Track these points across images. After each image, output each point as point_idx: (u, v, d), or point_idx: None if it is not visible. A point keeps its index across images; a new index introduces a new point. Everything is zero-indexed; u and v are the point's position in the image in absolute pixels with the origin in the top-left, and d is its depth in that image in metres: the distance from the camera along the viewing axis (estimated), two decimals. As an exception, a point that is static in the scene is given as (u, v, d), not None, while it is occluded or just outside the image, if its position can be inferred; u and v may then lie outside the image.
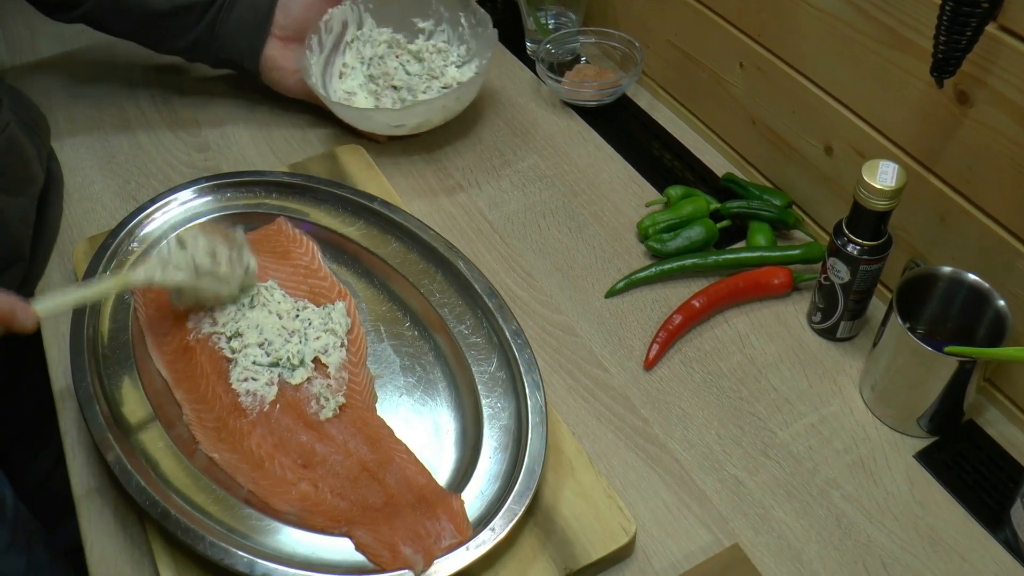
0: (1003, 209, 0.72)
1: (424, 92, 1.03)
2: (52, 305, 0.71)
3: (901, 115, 0.78)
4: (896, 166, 0.72)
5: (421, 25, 1.10)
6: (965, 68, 0.68)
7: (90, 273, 0.84)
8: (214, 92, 1.13)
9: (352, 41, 1.08)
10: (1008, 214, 0.72)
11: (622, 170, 1.01)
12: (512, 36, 1.19)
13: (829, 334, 0.84)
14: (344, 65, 1.06)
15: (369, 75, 1.05)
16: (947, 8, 0.64)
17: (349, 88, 1.04)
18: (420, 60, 1.06)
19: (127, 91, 1.15)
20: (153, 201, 0.90)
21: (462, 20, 1.08)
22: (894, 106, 0.78)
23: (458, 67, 1.06)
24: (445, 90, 1.02)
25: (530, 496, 0.66)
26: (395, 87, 1.03)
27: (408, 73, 1.04)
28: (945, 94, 0.72)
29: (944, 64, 0.67)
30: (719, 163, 1.02)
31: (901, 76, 0.76)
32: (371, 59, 1.06)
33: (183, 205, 0.91)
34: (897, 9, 0.73)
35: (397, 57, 1.06)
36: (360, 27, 1.08)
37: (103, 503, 0.74)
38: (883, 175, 0.72)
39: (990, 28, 0.66)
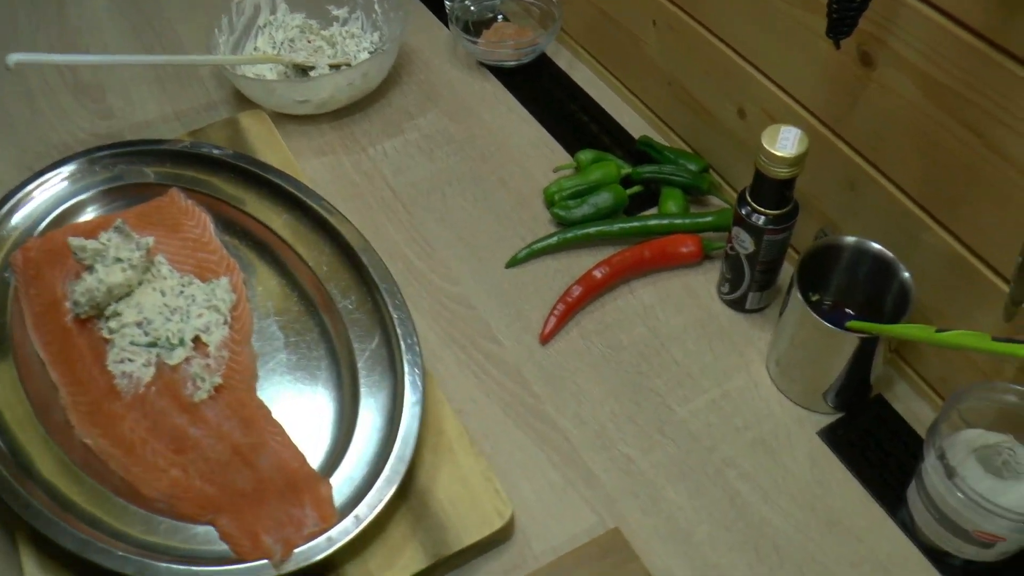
0: (908, 178, 0.67)
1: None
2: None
3: (809, 78, 0.72)
4: (798, 132, 0.67)
5: (335, 13, 1.04)
6: (866, 28, 0.63)
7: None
8: (120, 53, 1.07)
9: (264, 26, 1.02)
10: (913, 183, 0.67)
11: (535, 133, 0.95)
12: (434, -6, 1.12)
13: (738, 305, 0.79)
14: (255, 49, 1.00)
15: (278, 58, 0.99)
16: (837, -38, 0.58)
17: (258, 72, 0.97)
18: (333, 46, 1.00)
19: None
20: (38, 174, 0.84)
21: (375, 7, 1.02)
22: (802, 68, 0.73)
23: (370, 52, 1.00)
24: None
25: (398, 482, 0.62)
26: (304, 70, 0.97)
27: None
28: (849, 56, 0.67)
29: (839, 24, 0.61)
30: (638, 125, 0.96)
31: (809, 37, 0.70)
32: (282, 43, 0.99)
33: (71, 177, 0.85)
34: (798, -36, 0.67)
35: (309, 42, 0.99)
36: (273, 12, 1.03)
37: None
38: (783, 141, 0.67)
39: (887, -15, 0.60)
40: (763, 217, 0.71)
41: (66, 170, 0.85)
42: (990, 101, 0.57)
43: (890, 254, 0.69)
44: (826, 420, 0.72)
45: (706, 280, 0.82)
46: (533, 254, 0.83)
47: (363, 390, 0.68)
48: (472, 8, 1.05)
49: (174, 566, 0.60)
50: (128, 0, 1.16)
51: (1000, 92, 0.56)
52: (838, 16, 0.61)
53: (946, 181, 0.63)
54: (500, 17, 1.06)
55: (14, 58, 0.81)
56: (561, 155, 0.93)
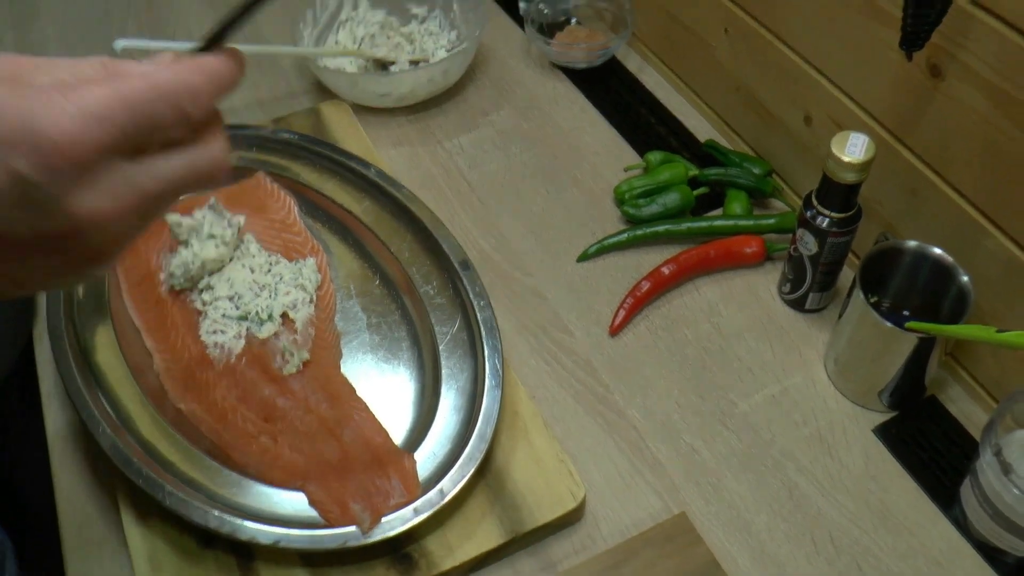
0: (972, 186, 0.71)
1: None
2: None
3: (877, 87, 0.76)
4: (866, 138, 0.71)
5: (415, 11, 1.09)
6: (937, 42, 0.67)
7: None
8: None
9: (346, 21, 1.07)
10: (976, 191, 0.70)
11: (605, 134, 0.99)
12: (507, -6, 1.17)
13: (798, 305, 0.83)
14: (336, 43, 1.06)
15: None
16: (915, -20, 0.62)
17: (339, 63, 1.03)
18: (412, 43, 1.05)
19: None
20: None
21: (454, 6, 1.07)
22: (871, 78, 0.76)
23: (448, 51, 1.05)
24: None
25: (479, 460, 0.66)
26: (383, 65, 1.02)
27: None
28: (918, 67, 0.70)
29: (913, 38, 0.65)
30: (704, 129, 1.00)
31: (878, 47, 0.74)
32: (363, 39, 1.05)
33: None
34: (873, -21, 0.71)
35: (389, 39, 1.05)
36: (355, 8, 1.08)
37: (75, 447, 0.75)
38: (852, 147, 0.71)
39: (961, 2, 0.64)
40: (828, 219, 0.75)
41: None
42: (1058, 116, 0.61)
43: (950, 258, 0.72)
44: (881, 418, 0.76)
45: (768, 280, 0.86)
46: (603, 250, 0.87)
47: (444, 372, 0.73)
48: (546, 11, 1.09)
49: (267, 527, 0.65)
50: (211, -13, 1.23)
51: (1068, 108, 0.60)
52: (912, 30, 0.65)
53: (1010, 189, 0.67)
54: (573, 20, 1.10)
55: (120, 44, 0.87)
56: (630, 155, 0.97)
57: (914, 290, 0.76)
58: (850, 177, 0.72)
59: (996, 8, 0.62)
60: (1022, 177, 0.65)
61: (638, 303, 0.82)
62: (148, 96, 0.38)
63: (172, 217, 0.80)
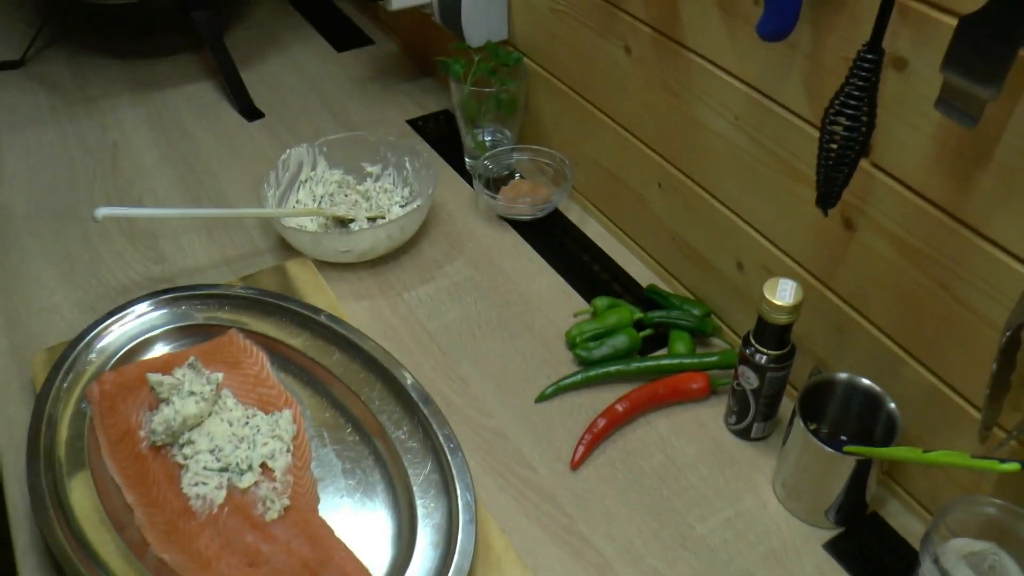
0: (889, 323, 0.81)
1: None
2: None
3: (800, 237, 0.87)
4: (794, 284, 0.81)
5: (369, 169, 1.20)
6: (847, 199, 0.78)
7: (48, 384, 0.89)
8: (171, 205, 1.20)
9: (306, 180, 1.17)
10: (893, 327, 0.81)
11: (553, 281, 1.09)
12: (452, 151, 1.29)
13: (744, 435, 0.92)
14: (297, 202, 1.15)
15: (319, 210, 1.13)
16: (823, 149, 0.73)
17: (301, 223, 1.11)
18: (368, 199, 1.15)
19: (87, 206, 1.21)
20: (111, 314, 0.96)
21: (407, 164, 1.18)
22: (794, 229, 0.88)
23: (402, 206, 1.15)
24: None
25: (460, 592, 0.71)
26: (343, 222, 1.12)
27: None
28: (834, 220, 0.82)
29: (827, 197, 0.76)
30: (645, 274, 1.10)
31: (797, 203, 0.85)
32: (322, 197, 1.14)
33: (140, 317, 0.96)
34: (788, 145, 0.83)
35: (347, 196, 1.14)
36: (314, 168, 1.18)
37: (54, 606, 0.77)
38: (782, 292, 0.81)
39: (864, 164, 0.76)
40: (766, 356, 0.85)
41: (135, 310, 0.97)
42: (952, 261, 0.72)
43: (878, 388, 0.82)
44: (829, 535, 0.83)
45: (714, 412, 0.94)
46: (559, 390, 0.95)
47: (420, 511, 0.79)
48: (491, 166, 1.20)
49: (257, 670, 0.68)
50: (174, 152, 1.32)
51: (959, 254, 0.71)
52: (825, 190, 0.76)
53: (922, 325, 0.77)
54: (517, 175, 1.21)
55: (101, 212, 0.94)
56: (578, 301, 1.06)
57: (848, 417, 0.85)
58: (782, 319, 0.82)
59: (893, 171, 0.74)
60: (929, 314, 0.76)
61: (596, 439, 0.89)
62: None
63: (154, 377, 0.85)
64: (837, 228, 0.82)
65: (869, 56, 0.69)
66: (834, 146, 0.73)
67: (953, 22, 0.63)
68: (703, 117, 0.93)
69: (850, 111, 0.70)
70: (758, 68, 0.84)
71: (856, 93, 0.70)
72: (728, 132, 0.90)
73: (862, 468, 0.79)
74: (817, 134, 0.74)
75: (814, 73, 0.78)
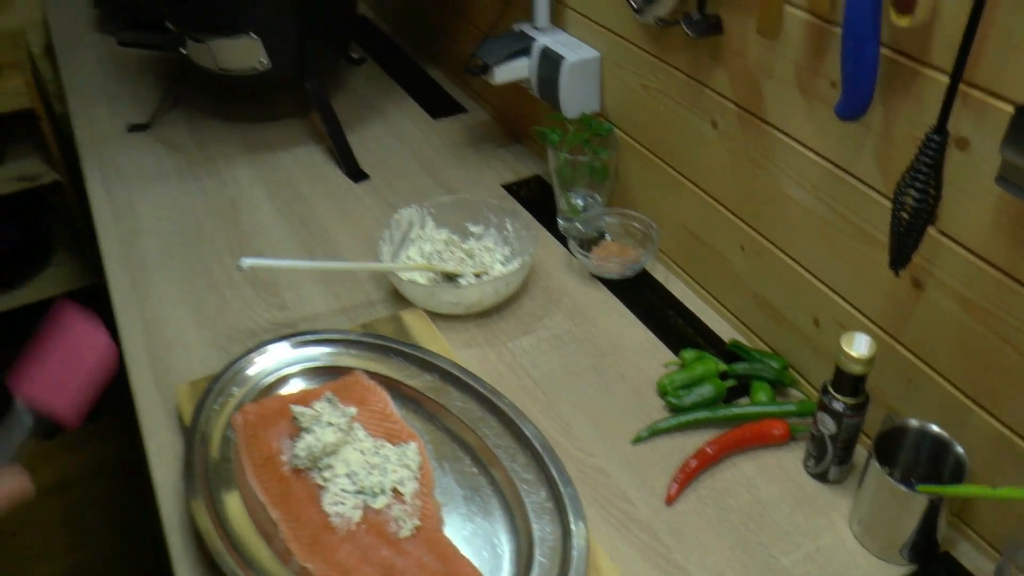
0: (956, 373, 0.92)
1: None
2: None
3: (872, 296, 0.99)
4: (868, 338, 0.93)
5: (473, 229, 1.35)
6: (916, 261, 0.90)
7: (199, 411, 1.03)
8: (304, 257, 1.36)
9: (415, 239, 1.32)
10: (960, 377, 0.92)
11: (642, 335, 1.22)
12: (545, 213, 1.43)
13: (822, 478, 1.03)
14: (408, 258, 1.30)
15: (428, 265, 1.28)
16: (895, 217, 0.86)
17: (411, 277, 1.26)
18: (471, 257, 1.29)
19: (213, 255, 1.38)
20: (251, 351, 1.10)
21: (508, 226, 1.32)
22: (866, 288, 1.00)
23: (503, 264, 1.29)
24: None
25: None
26: (450, 277, 1.26)
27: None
28: (903, 281, 0.94)
29: (899, 259, 0.88)
30: (726, 330, 1.23)
31: (869, 264, 0.97)
32: (430, 254, 1.29)
33: (276, 356, 1.11)
34: (861, 213, 0.96)
35: (452, 253, 1.29)
36: (423, 227, 1.33)
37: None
38: (858, 345, 0.93)
39: (931, 231, 0.88)
40: (843, 404, 0.96)
41: (271, 349, 1.11)
42: (1013, 317, 0.83)
43: (946, 434, 0.93)
44: (903, 571, 0.93)
45: (793, 456, 1.05)
46: (654, 433, 1.07)
47: (536, 534, 0.91)
48: (583, 228, 1.34)
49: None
50: (288, 209, 1.48)
51: (1020, 310, 0.82)
52: (897, 254, 0.88)
53: (986, 376, 0.88)
54: (607, 236, 1.35)
55: (247, 262, 1.10)
56: (665, 353, 1.19)
57: (919, 462, 0.96)
58: (858, 369, 0.93)
59: (958, 237, 0.86)
60: (993, 366, 0.87)
61: (688, 477, 1.01)
62: None
63: (297, 408, 0.99)
64: (907, 288, 0.94)
65: (935, 137, 0.82)
66: (905, 215, 0.85)
67: (1010, 109, 0.76)
68: (783, 186, 1.06)
69: (919, 184, 0.83)
70: (834, 144, 0.97)
71: (924, 169, 0.83)
72: (806, 200, 1.03)
73: (934, 506, 0.89)
74: (887, 203, 0.87)
75: (885, 150, 0.91)
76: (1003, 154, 0.77)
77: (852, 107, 0.90)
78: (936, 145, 0.82)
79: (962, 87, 0.81)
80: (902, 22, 0.82)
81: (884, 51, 0.87)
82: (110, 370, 0.90)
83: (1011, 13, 0.75)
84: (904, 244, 0.87)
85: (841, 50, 0.87)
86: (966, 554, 0.95)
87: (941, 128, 0.82)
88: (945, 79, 0.81)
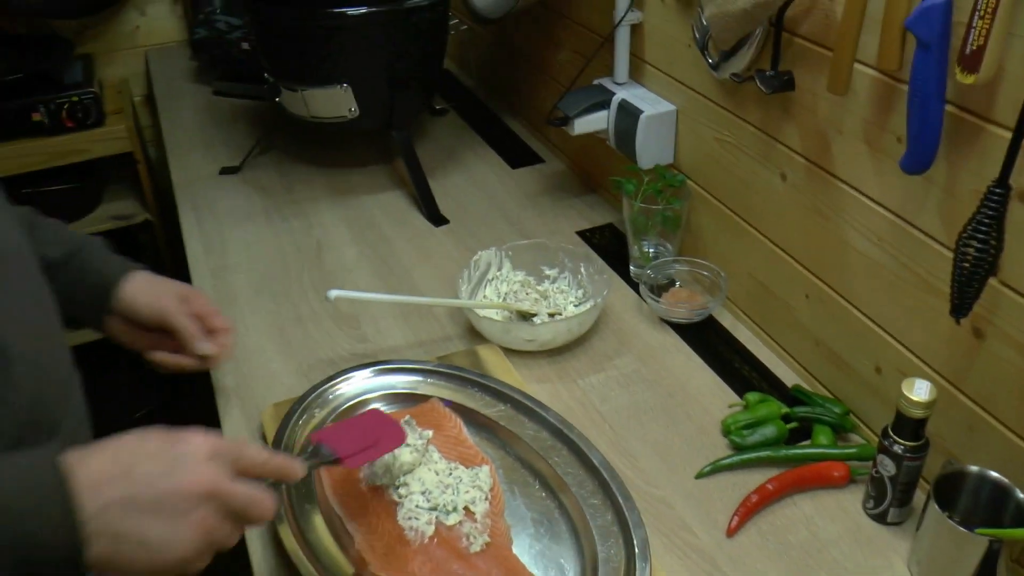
0: (1016, 421, 0.95)
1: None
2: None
3: (934, 344, 1.03)
4: (929, 384, 0.97)
5: (548, 272, 1.42)
6: (977, 311, 0.94)
7: (284, 426, 1.10)
8: (387, 292, 1.45)
9: (492, 279, 1.40)
10: (1020, 425, 0.95)
11: (708, 377, 1.27)
12: (617, 259, 1.50)
13: (881, 519, 1.06)
14: (484, 297, 1.38)
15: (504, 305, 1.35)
16: (957, 267, 0.90)
17: (487, 314, 1.33)
18: (546, 298, 1.36)
19: (298, 291, 1.47)
20: (335, 376, 1.18)
21: (582, 270, 1.39)
22: (928, 337, 1.04)
23: (575, 306, 1.36)
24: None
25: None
26: (525, 316, 1.33)
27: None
28: (965, 330, 0.98)
29: (960, 307, 0.93)
30: (789, 376, 1.27)
31: (931, 314, 1.02)
32: (506, 294, 1.36)
33: (356, 383, 1.19)
34: (924, 263, 1.01)
35: (527, 294, 1.36)
36: (500, 268, 1.41)
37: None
38: (919, 390, 0.97)
39: (993, 282, 0.92)
40: (903, 447, 1.00)
41: (354, 376, 1.19)
42: (1073, 366, 0.87)
43: (1006, 480, 0.96)
44: (960, 614, 0.96)
45: (853, 498, 1.09)
46: (717, 469, 1.12)
47: (600, 555, 0.96)
48: (653, 275, 1.40)
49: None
50: (371, 251, 1.57)
51: (1079, 360, 0.86)
52: (959, 302, 0.93)
53: (1046, 424, 0.92)
54: (677, 283, 1.41)
55: (334, 293, 1.18)
56: (729, 395, 1.24)
57: (978, 508, 0.99)
58: (918, 413, 0.97)
59: (1019, 288, 0.91)
60: (1053, 413, 0.91)
61: (749, 511, 1.05)
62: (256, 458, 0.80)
63: None
64: (968, 337, 0.98)
65: (998, 191, 0.87)
66: (967, 265, 0.90)
67: (1070, 166, 0.81)
68: (848, 237, 1.11)
69: (980, 235, 0.88)
70: (899, 197, 1.03)
71: (986, 220, 0.87)
72: (871, 251, 1.08)
73: (993, 550, 0.92)
74: (950, 254, 0.92)
75: (948, 202, 0.96)
76: (1061, 207, 0.82)
77: (917, 162, 0.95)
78: (998, 197, 0.87)
79: (1024, 143, 0.86)
80: (967, 80, 0.87)
81: (949, 108, 0.93)
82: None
83: (1068, 73, 0.81)
84: (965, 293, 0.92)
85: (907, 106, 0.93)
86: (1026, 601, 0.97)
87: (1003, 181, 0.87)
88: (1008, 134, 0.86)
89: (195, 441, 0.76)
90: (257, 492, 0.78)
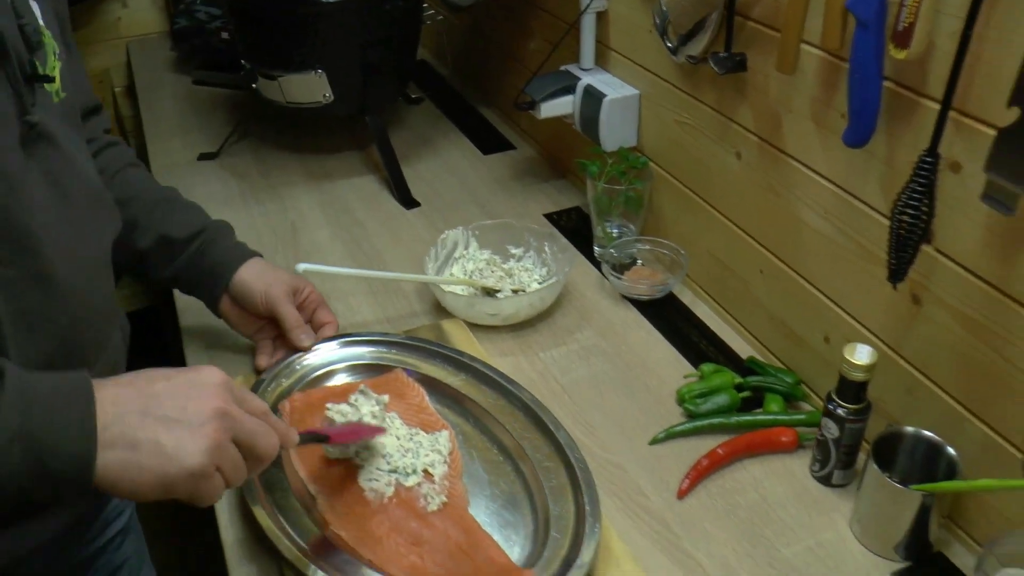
0: (952, 383, 1.00)
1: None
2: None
3: (876, 312, 1.08)
4: (870, 348, 1.02)
5: (513, 251, 1.46)
6: (914, 278, 0.99)
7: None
8: (354, 267, 1.49)
9: (459, 257, 1.44)
10: (956, 387, 1.00)
11: (666, 351, 1.31)
12: (582, 240, 1.54)
13: (826, 481, 1.10)
14: (451, 274, 1.42)
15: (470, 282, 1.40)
16: (893, 234, 0.95)
17: (452, 290, 1.37)
18: (511, 276, 1.41)
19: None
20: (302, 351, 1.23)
21: (547, 249, 1.44)
22: (871, 305, 1.08)
23: (539, 284, 1.40)
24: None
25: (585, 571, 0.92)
26: (489, 293, 1.38)
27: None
28: (903, 296, 1.03)
29: (896, 272, 0.97)
30: (745, 349, 1.32)
31: (874, 282, 1.06)
32: (473, 272, 1.41)
33: (323, 354, 1.23)
34: (867, 233, 1.05)
35: (493, 272, 1.41)
36: (467, 247, 1.46)
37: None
38: (860, 354, 1.02)
39: (927, 249, 0.97)
40: (845, 410, 1.04)
41: (321, 347, 1.23)
42: (1004, 329, 0.92)
43: (939, 439, 1.00)
44: (897, 567, 1.00)
45: (801, 463, 1.13)
46: (670, 436, 1.16)
47: (552, 513, 1.00)
48: (616, 254, 1.45)
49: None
50: (344, 232, 1.61)
51: (1010, 323, 0.91)
52: (895, 267, 0.97)
53: (980, 386, 0.96)
54: (639, 262, 1.45)
55: (302, 267, 1.22)
56: (687, 367, 1.28)
57: (914, 466, 1.03)
58: (859, 376, 1.02)
59: (952, 254, 0.95)
60: (986, 376, 0.95)
61: (699, 475, 1.10)
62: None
63: (333, 407, 1.09)
64: (906, 303, 1.03)
65: (928, 159, 0.91)
66: (902, 232, 0.95)
67: (994, 133, 0.86)
68: (799, 212, 1.16)
69: (914, 203, 0.93)
70: (844, 170, 1.07)
71: (919, 188, 0.92)
72: (819, 224, 1.13)
73: (926, 505, 0.97)
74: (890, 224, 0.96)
75: (888, 174, 1.01)
76: (987, 174, 0.86)
77: (858, 136, 1.00)
78: (928, 166, 0.92)
79: (953, 114, 0.91)
80: (900, 55, 0.92)
81: (887, 84, 0.97)
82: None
83: (994, 45, 0.86)
84: (901, 258, 0.96)
85: (848, 83, 0.98)
86: (959, 555, 1.02)
87: (933, 151, 0.92)
88: (938, 107, 0.91)
89: (209, 371, 0.82)
90: (264, 425, 0.84)
